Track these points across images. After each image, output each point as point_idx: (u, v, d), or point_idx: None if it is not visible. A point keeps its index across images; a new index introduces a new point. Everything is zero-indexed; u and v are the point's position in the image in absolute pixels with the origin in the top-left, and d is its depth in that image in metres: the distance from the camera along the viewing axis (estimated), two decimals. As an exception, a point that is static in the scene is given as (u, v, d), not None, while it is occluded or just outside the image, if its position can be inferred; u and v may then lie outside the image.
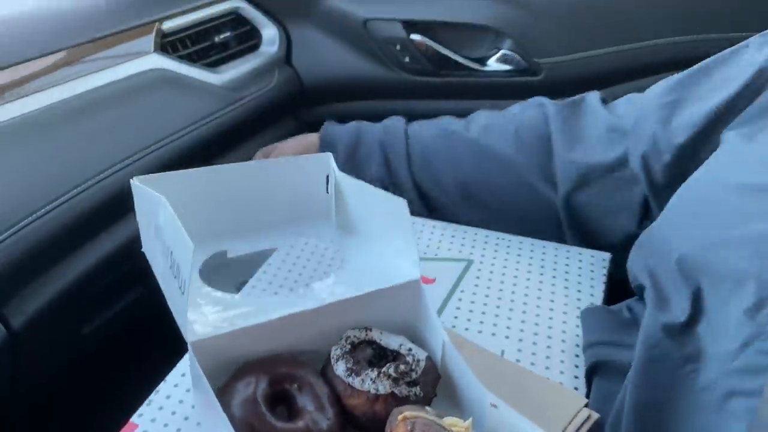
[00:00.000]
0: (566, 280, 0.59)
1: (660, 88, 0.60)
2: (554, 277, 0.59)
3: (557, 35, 0.89)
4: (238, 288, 0.56)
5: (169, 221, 0.40)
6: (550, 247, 0.64)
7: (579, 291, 0.58)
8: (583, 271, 0.60)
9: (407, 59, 0.95)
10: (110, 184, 0.63)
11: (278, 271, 0.59)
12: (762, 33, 0.55)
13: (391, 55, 0.96)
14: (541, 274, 0.60)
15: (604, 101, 0.66)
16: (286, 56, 0.99)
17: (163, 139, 0.71)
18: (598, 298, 0.57)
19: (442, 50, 0.93)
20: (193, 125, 0.76)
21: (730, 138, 0.49)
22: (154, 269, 0.46)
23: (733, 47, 0.57)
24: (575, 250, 0.63)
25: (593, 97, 0.66)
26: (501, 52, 0.92)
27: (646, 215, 0.59)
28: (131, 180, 0.46)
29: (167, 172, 0.49)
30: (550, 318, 0.55)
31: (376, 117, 0.74)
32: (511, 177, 0.65)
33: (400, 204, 0.45)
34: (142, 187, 0.45)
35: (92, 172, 0.62)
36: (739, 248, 0.38)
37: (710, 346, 0.38)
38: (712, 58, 0.57)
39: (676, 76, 0.59)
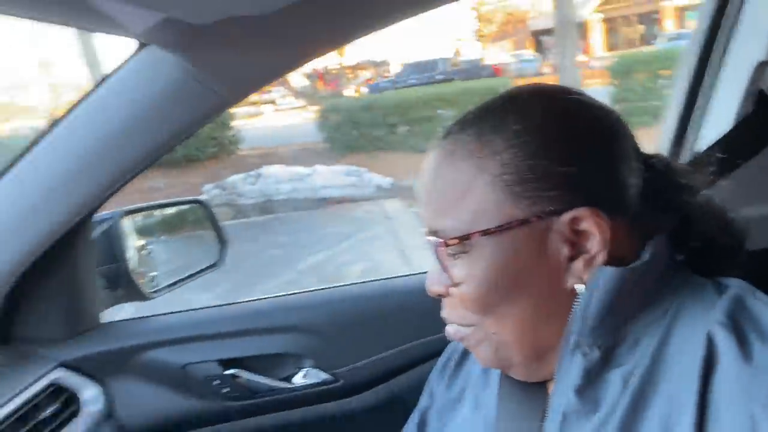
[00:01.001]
0: None
1: None
2: None
3: (346, 349, 1.12)
4: None
5: None
6: None
7: None
8: None
9: (226, 390, 1.09)
10: None
11: None
12: None
13: (210, 389, 1.09)
14: None
15: None
16: (108, 412, 1.05)
17: None
18: None
19: (254, 377, 1.10)
20: None
21: None
22: None
23: None
24: None
25: None
26: (304, 369, 1.11)
27: None
28: None
29: None
30: None
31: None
32: None
33: None
34: None
35: None
36: None
37: None
38: None
39: None
